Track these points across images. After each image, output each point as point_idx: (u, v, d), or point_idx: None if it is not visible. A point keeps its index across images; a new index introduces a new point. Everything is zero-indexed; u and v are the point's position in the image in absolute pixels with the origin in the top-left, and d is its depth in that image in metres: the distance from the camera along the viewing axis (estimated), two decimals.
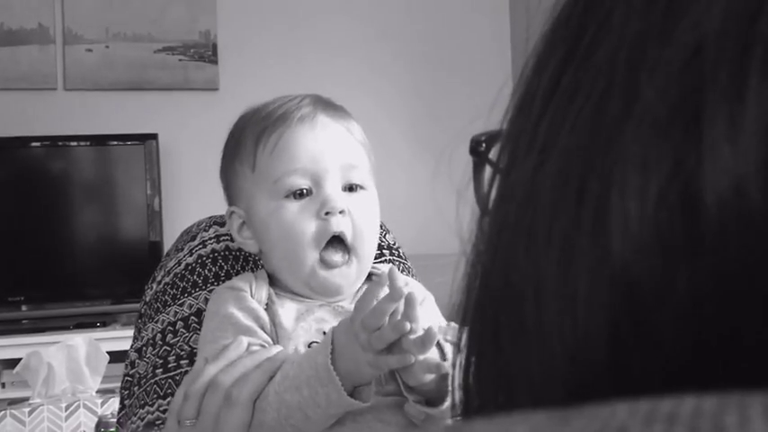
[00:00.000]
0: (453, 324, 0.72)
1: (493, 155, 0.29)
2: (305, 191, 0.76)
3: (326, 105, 0.80)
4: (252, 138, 0.78)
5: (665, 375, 0.19)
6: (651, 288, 0.19)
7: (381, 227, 0.97)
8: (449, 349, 0.68)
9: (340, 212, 0.75)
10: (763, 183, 0.18)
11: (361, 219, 0.76)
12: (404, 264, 0.96)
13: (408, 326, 0.63)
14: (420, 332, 0.64)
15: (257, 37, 2.97)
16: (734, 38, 0.19)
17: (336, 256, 0.76)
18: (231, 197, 0.83)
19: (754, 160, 0.18)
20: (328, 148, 0.76)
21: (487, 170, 0.29)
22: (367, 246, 0.78)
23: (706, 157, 0.19)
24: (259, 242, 0.81)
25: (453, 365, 0.27)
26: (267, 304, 0.78)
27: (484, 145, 0.29)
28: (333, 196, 0.75)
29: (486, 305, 0.24)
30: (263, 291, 0.78)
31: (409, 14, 3.10)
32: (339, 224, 0.75)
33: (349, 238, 0.76)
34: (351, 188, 0.77)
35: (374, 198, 0.80)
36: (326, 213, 0.75)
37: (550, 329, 0.21)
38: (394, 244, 0.97)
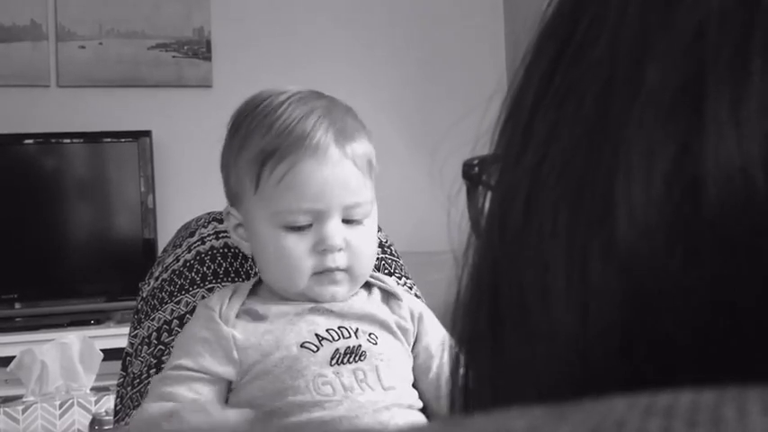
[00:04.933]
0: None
1: (486, 178, 0.29)
2: (304, 226, 0.76)
3: (338, 131, 0.77)
4: (258, 155, 0.76)
5: (674, 365, 0.19)
6: (657, 274, 0.19)
7: None
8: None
9: (338, 250, 0.76)
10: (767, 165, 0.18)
11: (358, 251, 0.77)
12: (396, 262, 0.96)
13: None
14: None
15: (251, 34, 2.97)
16: (735, 19, 0.19)
17: (331, 263, 0.76)
18: (230, 196, 0.82)
19: (758, 143, 0.18)
20: (334, 190, 0.75)
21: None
22: (363, 271, 0.79)
23: (710, 140, 0.19)
24: (253, 251, 0.81)
25: (452, 370, 0.27)
26: (234, 324, 0.77)
27: (476, 168, 0.29)
28: (332, 234, 0.75)
29: (487, 304, 0.24)
30: (234, 309, 0.78)
31: (405, 11, 3.09)
32: (335, 260, 0.76)
33: (346, 267, 0.77)
34: (351, 221, 0.77)
35: (373, 226, 0.80)
36: (324, 250, 0.76)
37: (558, 323, 0.21)
38: (386, 242, 0.97)
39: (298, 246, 0.76)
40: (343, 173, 0.76)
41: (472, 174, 0.29)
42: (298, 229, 0.76)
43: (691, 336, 0.19)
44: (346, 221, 0.77)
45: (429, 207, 2.76)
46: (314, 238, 0.76)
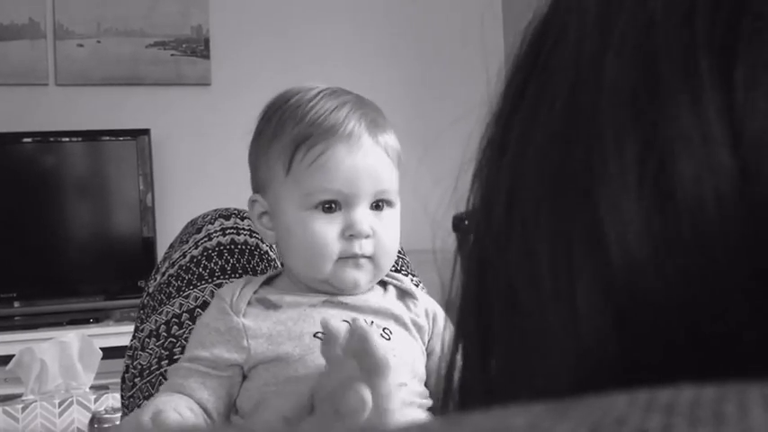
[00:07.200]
0: None
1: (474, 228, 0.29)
2: (334, 206, 0.77)
3: (370, 122, 0.80)
4: (291, 140, 0.78)
5: (668, 370, 0.19)
6: (641, 275, 0.19)
7: None
8: None
9: (365, 236, 0.77)
10: (732, 169, 0.18)
11: (384, 239, 0.78)
12: (402, 259, 0.97)
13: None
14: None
15: (250, 31, 2.96)
16: (679, 4, 0.19)
17: (357, 249, 0.77)
18: (257, 185, 0.83)
19: (720, 141, 0.18)
20: (365, 175, 0.77)
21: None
22: (387, 260, 0.80)
23: (674, 136, 0.19)
24: (279, 238, 0.82)
25: (449, 366, 0.27)
26: (245, 313, 0.78)
27: (467, 222, 0.30)
28: (360, 220, 0.77)
29: (477, 302, 0.24)
30: (245, 299, 0.79)
31: (404, 11, 3.09)
32: (362, 246, 0.77)
33: (371, 255, 0.78)
34: (378, 206, 0.79)
35: (397, 217, 0.82)
36: (351, 235, 0.77)
37: (550, 328, 0.21)
38: None
39: (326, 229, 0.77)
40: (374, 160, 0.78)
41: (462, 227, 0.30)
42: (327, 210, 0.77)
43: (681, 343, 0.19)
44: (374, 208, 0.78)
45: (427, 206, 2.76)
46: (342, 224, 0.77)
